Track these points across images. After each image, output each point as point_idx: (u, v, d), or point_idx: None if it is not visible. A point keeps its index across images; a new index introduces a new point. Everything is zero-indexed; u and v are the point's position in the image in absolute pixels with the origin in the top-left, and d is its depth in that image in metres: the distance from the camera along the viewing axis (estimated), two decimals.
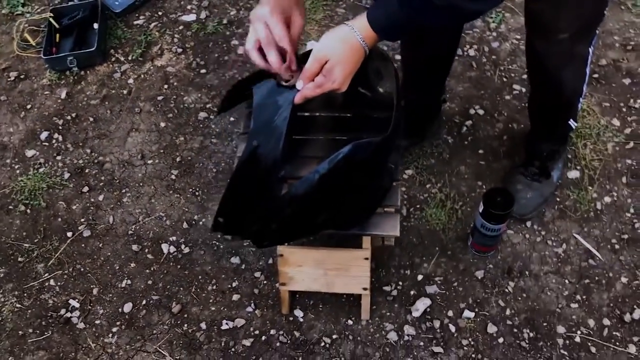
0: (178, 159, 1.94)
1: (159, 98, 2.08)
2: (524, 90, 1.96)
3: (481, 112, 1.95)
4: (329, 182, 1.09)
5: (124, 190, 1.89)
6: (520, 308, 1.60)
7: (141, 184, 1.90)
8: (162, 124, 2.03)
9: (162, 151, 1.97)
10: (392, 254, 1.69)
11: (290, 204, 1.13)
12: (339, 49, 1.09)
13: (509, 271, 1.66)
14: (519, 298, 1.62)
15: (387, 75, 1.23)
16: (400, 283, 1.66)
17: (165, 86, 2.12)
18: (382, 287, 1.65)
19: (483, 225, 1.55)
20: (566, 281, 1.63)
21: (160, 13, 2.32)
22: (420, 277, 1.66)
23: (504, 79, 2.01)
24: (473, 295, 1.63)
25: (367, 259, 1.47)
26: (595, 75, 1.98)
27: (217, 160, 1.93)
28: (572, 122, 1.62)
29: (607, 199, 1.75)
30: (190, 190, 1.88)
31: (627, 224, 1.71)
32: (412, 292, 1.64)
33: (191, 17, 2.29)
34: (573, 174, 1.80)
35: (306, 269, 1.51)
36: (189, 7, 2.32)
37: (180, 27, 2.27)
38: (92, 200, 1.88)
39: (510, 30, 2.13)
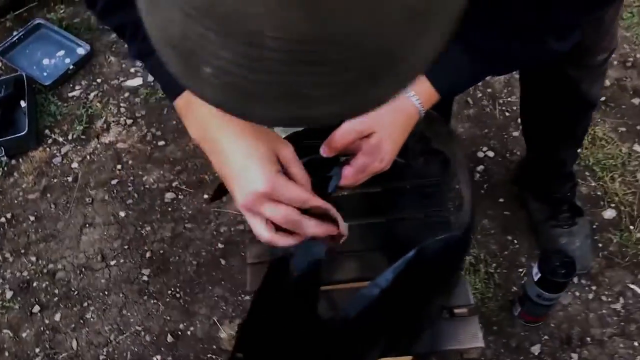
0: (148, 255, 1.60)
1: (113, 182, 1.74)
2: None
3: (491, 154, 1.72)
4: (392, 297, 0.80)
5: (85, 304, 1.53)
6: None
7: (106, 293, 1.55)
8: (122, 214, 1.68)
9: (126, 247, 1.62)
10: None
11: (342, 330, 0.83)
12: (389, 118, 0.82)
13: (568, 341, 1.41)
14: None
15: (436, 138, 0.96)
16: None
17: (119, 166, 1.78)
18: None
19: (540, 295, 1.30)
20: (635, 343, 1.40)
21: (99, 80, 1.98)
22: None
23: (506, 114, 1.80)
24: None
25: None
26: (603, 98, 1.80)
27: (195, 249, 1.60)
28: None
29: None
30: (169, 292, 1.54)
31: None
32: None
33: (137, 82, 1.97)
34: (609, 213, 1.59)
35: None
36: (132, 70, 2.00)
37: (126, 95, 1.94)
38: (47, 321, 1.51)
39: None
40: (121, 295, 1.54)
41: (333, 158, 0.86)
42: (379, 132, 0.81)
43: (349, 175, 0.82)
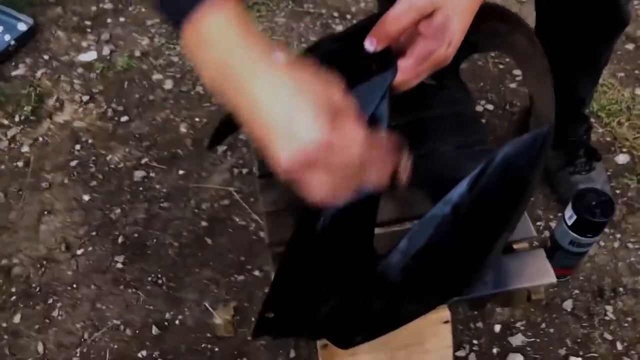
0: (120, 240, 1.39)
1: (72, 164, 1.52)
2: None
3: (490, 106, 1.60)
4: (468, 218, 0.65)
5: (50, 301, 1.31)
6: (633, 337, 1.23)
7: (75, 286, 1.33)
8: (85, 197, 1.47)
9: (94, 234, 1.41)
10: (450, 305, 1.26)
11: (404, 268, 0.67)
12: None
13: (601, 293, 1.29)
14: (625, 325, 1.25)
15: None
16: (476, 342, 1.23)
17: (77, 146, 1.56)
18: (454, 354, 1.21)
19: (573, 241, 1.17)
20: None
21: (46, 57, 1.75)
22: (498, 328, 1.25)
23: (500, 66, 1.69)
24: (571, 335, 1.24)
25: (447, 322, 1.03)
26: None
27: (175, 230, 1.41)
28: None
29: None
30: (149, 279, 1.34)
31: None
32: (494, 351, 1.22)
33: (91, 56, 1.76)
34: (622, 158, 1.49)
35: (363, 357, 1.04)
36: (84, 44, 1.79)
37: (80, 70, 1.72)
38: (5, 325, 1.28)
39: None
40: (93, 287, 1.33)
41: (374, 58, 0.69)
42: (445, 8, 0.64)
43: (409, 67, 0.65)
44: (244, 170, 1.49)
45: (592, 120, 1.54)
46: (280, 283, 0.70)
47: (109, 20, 1.84)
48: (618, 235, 1.37)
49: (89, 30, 1.82)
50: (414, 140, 0.91)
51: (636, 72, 1.66)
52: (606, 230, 1.37)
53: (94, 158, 1.54)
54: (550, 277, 0.80)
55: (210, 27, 0.53)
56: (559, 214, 1.37)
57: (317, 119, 0.52)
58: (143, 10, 1.86)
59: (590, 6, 1.06)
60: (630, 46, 1.73)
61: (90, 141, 1.57)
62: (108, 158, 1.54)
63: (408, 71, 0.66)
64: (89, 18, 1.85)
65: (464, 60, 1.49)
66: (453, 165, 0.87)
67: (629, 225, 1.38)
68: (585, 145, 1.38)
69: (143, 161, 1.53)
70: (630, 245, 1.35)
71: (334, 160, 0.54)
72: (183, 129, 1.59)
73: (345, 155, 0.54)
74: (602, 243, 1.36)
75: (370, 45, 0.65)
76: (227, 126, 0.88)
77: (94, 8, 1.88)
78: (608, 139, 1.52)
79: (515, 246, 0.82)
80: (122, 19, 1.84)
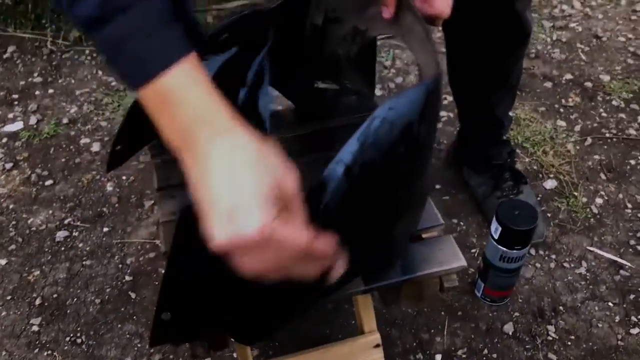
0: (38, 302, 1.30)
1: None
2: (452, 115, 1.67)
3: None
4: (363, 178, 0.62)
5: None
6: (577, 355, 1.18)
7: None
8: (2, 262, 1.39)
9: (9, 298, 1.32)
10: (388, 337, 1.20)
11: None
12: None
13: (541, 313, 1.25)
14: (569, 343, 1.20)
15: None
16: None
17: None
18: None
19: (503, 255, 1.14)
20: (610, 304, 1.26)
21: None
22: (439, 358, 1.18)
23: None
24: (515, 358, 1.18)
25: (378, 345, 0.98)
26: None
27: (98, 287, 1.33)
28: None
29: (599, 200, 1.46)
30: (67, 339, 1.24)
31: (634, 220, 1.42)
32: None
33: (17, 126, 1.73)
34: (550, 183, 1.50)
35: None
36: (10, 115, 1.77)
37: (4, 140, 1.69)
38: None
39: (407, 64, 1.88)
40: (4, 353, 1.22)
41: None
42: None
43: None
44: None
45: (518, 151, 1.57)
46: (171, 281, 0.65)
47: (37, 92, 1.84)
48: (553, 256, 1.35)
49: (16, 102, 1.80)
50: (316, 148, 0.90)
51: (556, 106, 1.72)
52: (540, 252, 1.36)
53: (14, 222, 1.48)
54: (460, 261, 0.77)
55: (174, 96, 0.52)
56: None
57: (262, 208, 0.50)
58: (73, 81, 1.87)
59: (491, 16, 1.10)
60: (548, 84, 1.80)
61: (11, 206, 1.51)
62: (29, 221, 1.47)
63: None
64: (17, 91, 1.84)
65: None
66: None
67: (563, 246, 1.37)
68: (511, 169, 1.39)
69: (66, 221, 1.47)
70: (566, 265, 1.33)
71: (269, 251, 0.52)
72: (109, 187, 1.55)
73: (282, 249, 0.52)
74: (538, 265, 1.33)
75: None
76: (126, 141, 0.85)
77: (22, 82, 1.87)
78: (535, 167, 1.54)
79: (424, 235, 0.79)
80: (50, 91, 1.84)
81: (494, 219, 1.13)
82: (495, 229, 1.13)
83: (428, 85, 0.62)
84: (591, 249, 1.36)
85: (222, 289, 0.65)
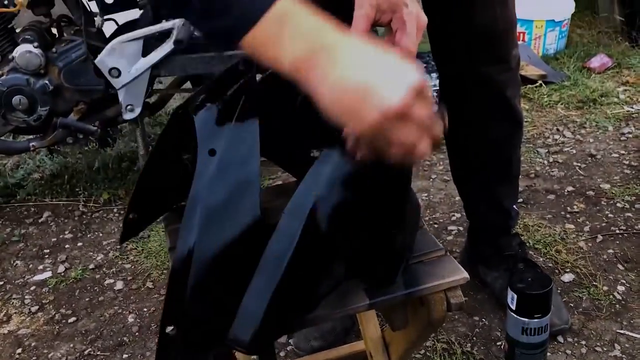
0: None
1: None
2: (461, 228, 1.72)
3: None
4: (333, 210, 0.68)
5: None
6: None
7: None
8: None
9: None
10: None
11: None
12: None
13: None
14: None
15: None
16: None
17: (19, 350, 1.51)
18: None
19: (525, 327, 1.12)
20: None
21: (0, 283, 1.80)
22: None
23: (435, 226, 1.78)
24: None
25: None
26: (521, 200, 1.84)
27: None
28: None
29: (621, 288, 1.44)
30: None
31: None
32: None
33: (45, 275, 1.81)
34: (567, 277, 1.49)
35: None
36: (40, 267, 1.85)
37: (32, 288, 1.75)
38: None
39: None
40: None
41: None
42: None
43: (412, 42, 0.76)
44: None
45: (531, 252, 1.58)
46: (175, 293, 0.68)
47: (67, 246, 1.94)
48: (583, 342, 1.30)
49: (46, 256, 1.90)
50: None
51: (562, 213, 1.77)
52: (569, 339, 1.31)
53: (34, 358, 1.48)
54: (463, 274, 0.78)
55: (296, 11, 0.61)
56: None
57: (405, 85, 0.59)
58: (101, 234, 1.98)
59: (485, 104, 1.21)
60: (551, 196, 1.86)
61: (33, 344, 1.53)
62: (50, 355, 1.48)
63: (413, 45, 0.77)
64: (49, 247, 1.95)
65: None
66: None
67: (591, 331, 1.32)
68: (524, 259, 1.40)
69: (87, 352, 1.47)
70: (599, 349, 1.28)
71: (421, 114, 0.59)
72: (131, 319, 1.57)
73: (427, 114, 0.60)
74: (568, 351, 1.28)
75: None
76: (140, 210, 0.92)
77: (54, 239, 1.99)
78: (550, 264, 1.54)
79: (423, 259, 0.81)
80: (79, 244, 1.94)
81: (508, 289, 1.13)
82: (512, 298, 1.12)
83: None
84: (622, 332, 1.31)
85: (224, 290, 0.67)
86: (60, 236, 2.00)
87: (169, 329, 0.67)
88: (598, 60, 2.67)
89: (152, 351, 1.44)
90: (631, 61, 2.62)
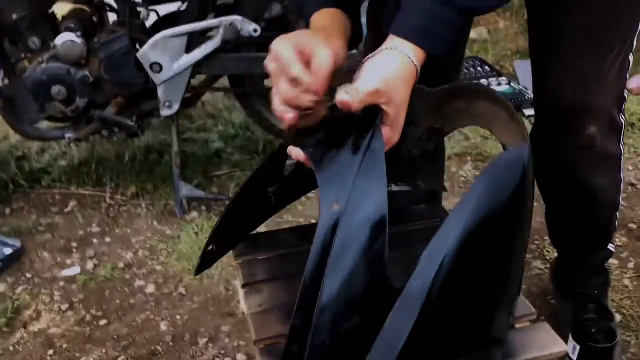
0: None
1: None
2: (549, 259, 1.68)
3: None
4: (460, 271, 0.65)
5: None
6: None
7: None
8: None
9: None
10: None
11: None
12: (403, 87, 0.75)
13: None
14: None
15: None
16: None
17: (51, 352, 1.48)
18: None
19: None
20: None
21: (29, 275, 1.77)
22: None
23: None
24: None
25: None
26: None
27: None
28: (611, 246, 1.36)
29: None
30: None
31: None
32: None
33: (74, 271, 1.78)
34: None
35: None
36: (68, 261, 1.82)
37: (62, 284, 1.72)
38: None
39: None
40: None
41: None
42: (396, 100, 0.73)
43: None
44: None
45: None
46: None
47: (95, 241, 1.90)
48: None
49: (74, 250, 1.87)
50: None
51: None
52: None
53: None
54: (561, 345, 0.75)
55: None
56: None
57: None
58: (129, 231, 1.95)
59: (559, 187, 1.20)
60: None
61: (64, 346, 1.50)
62: None
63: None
64: (76, 240, 1.91)
65: None
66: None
67: None
68: (598, 302, 1.30)
69: (120, 359, 1.44)
70: None
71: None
72: (163, 327, 1.54)
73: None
74: None
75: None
76: (219, 242, 0.88)
77: (81, 232, 1.95)
78: None
79: (517, 325, 0.78)
80: (107, 239, 1.91)
81: (570, 337, 1.10)
82: (573, 348, 1.09)
83: (522, 152, 0.67)
84: None
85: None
86: (88, 229, 1.96)
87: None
88: (637, 81, 2.60)
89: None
90: None
